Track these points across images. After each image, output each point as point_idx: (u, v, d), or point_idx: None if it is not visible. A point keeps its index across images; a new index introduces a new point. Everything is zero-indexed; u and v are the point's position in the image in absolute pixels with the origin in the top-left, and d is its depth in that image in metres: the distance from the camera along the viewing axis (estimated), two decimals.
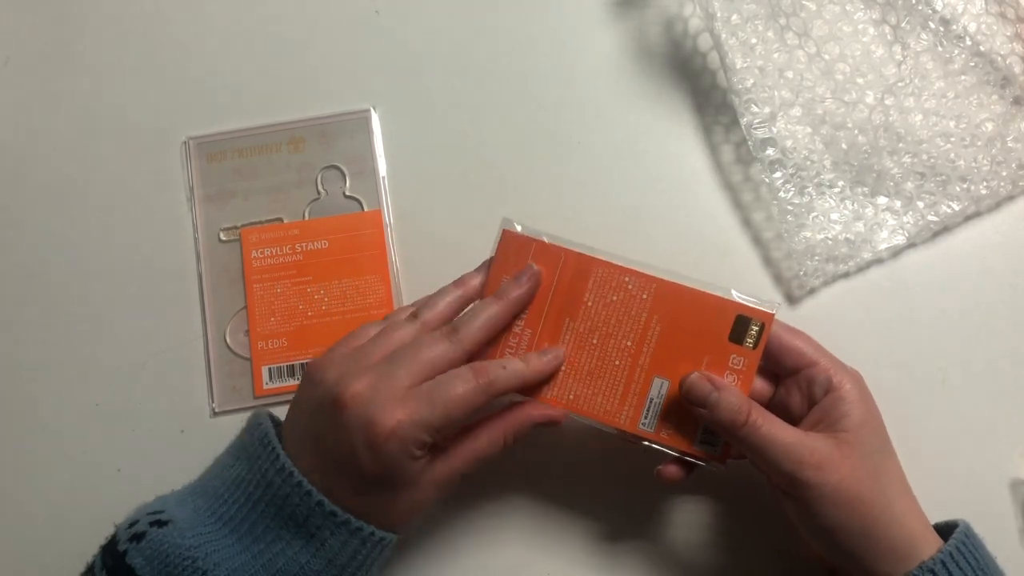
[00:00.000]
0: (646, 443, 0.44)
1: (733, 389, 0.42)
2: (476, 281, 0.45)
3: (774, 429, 0.40)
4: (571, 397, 0.44)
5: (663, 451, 0.44)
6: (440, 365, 0.41)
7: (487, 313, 0.43)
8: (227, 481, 0.41)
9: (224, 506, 0.40)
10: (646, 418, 0.43)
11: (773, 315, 0.42)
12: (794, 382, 0.43)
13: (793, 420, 0.42)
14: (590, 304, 0.44)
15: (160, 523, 0.39)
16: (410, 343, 0.42)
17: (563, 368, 0.44)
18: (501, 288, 0.44)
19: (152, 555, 0.38)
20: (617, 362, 0.43)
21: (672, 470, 0.44)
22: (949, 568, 0.39)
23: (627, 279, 0.43)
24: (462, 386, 0.40)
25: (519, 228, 0.45)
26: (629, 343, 0.43)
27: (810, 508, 0.40)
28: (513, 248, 0.44)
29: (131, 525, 0.40)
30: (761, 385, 0.44)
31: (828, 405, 0.41)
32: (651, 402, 0.43)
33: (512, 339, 0.44)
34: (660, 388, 0.43)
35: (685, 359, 0.43)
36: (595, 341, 0.44)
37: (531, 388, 0.44)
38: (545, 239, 0.44)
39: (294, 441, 0.41)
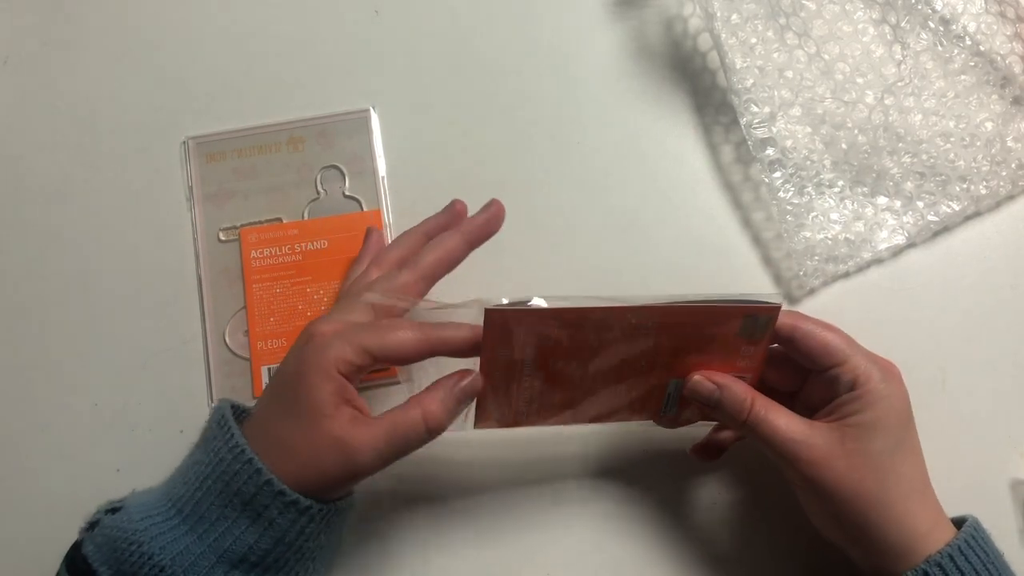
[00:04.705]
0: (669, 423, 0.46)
1: (736, 384, 0.42)
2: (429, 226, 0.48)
3: (778, 420, 0.41)
4: (592, 415, 0.45)
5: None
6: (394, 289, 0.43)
7: (445, 245, 0.45)
8: (184, 466, 0.41)
9: (177, 488, 0.40)
10: (666, 409, 0.45)
11: (780, 306, 0.41)
12: (821, 379, 0.42)
13: (813, 414, 0.42)
14: (596, 345, 0.42)
15: (114, 510, 0.39)
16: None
17: (579, 397, 0.44)
18: (463, 224, 0.47)
19: (102, 542, 0.38)
20: (631, 379, 0.43)
21: (702, 451, 0.47)
22: (957, 561, 0.38)
23: (628, 316, 0.41)
24: (405, 331, 0.40)
25: (504, 301, 0.41)
26: (641, 365, 0.43)
27: (810, 497, 0.41)
28: (500, 325, 0.41)
29: (94, 515, 0.40)
30: (788, 379, 0.44)
31: (846, 400, 0.41)
32: (669, 396, 0.44)
33: (523, 390, 0.43)
34: (676, 386, 0.44)
35: (697, 362, 0.43)
36: (606, 373, 0.43)
37: (545, 416, 0.44)
38: (534, 302, 0.41)
39: (254, 425, 0.40)
